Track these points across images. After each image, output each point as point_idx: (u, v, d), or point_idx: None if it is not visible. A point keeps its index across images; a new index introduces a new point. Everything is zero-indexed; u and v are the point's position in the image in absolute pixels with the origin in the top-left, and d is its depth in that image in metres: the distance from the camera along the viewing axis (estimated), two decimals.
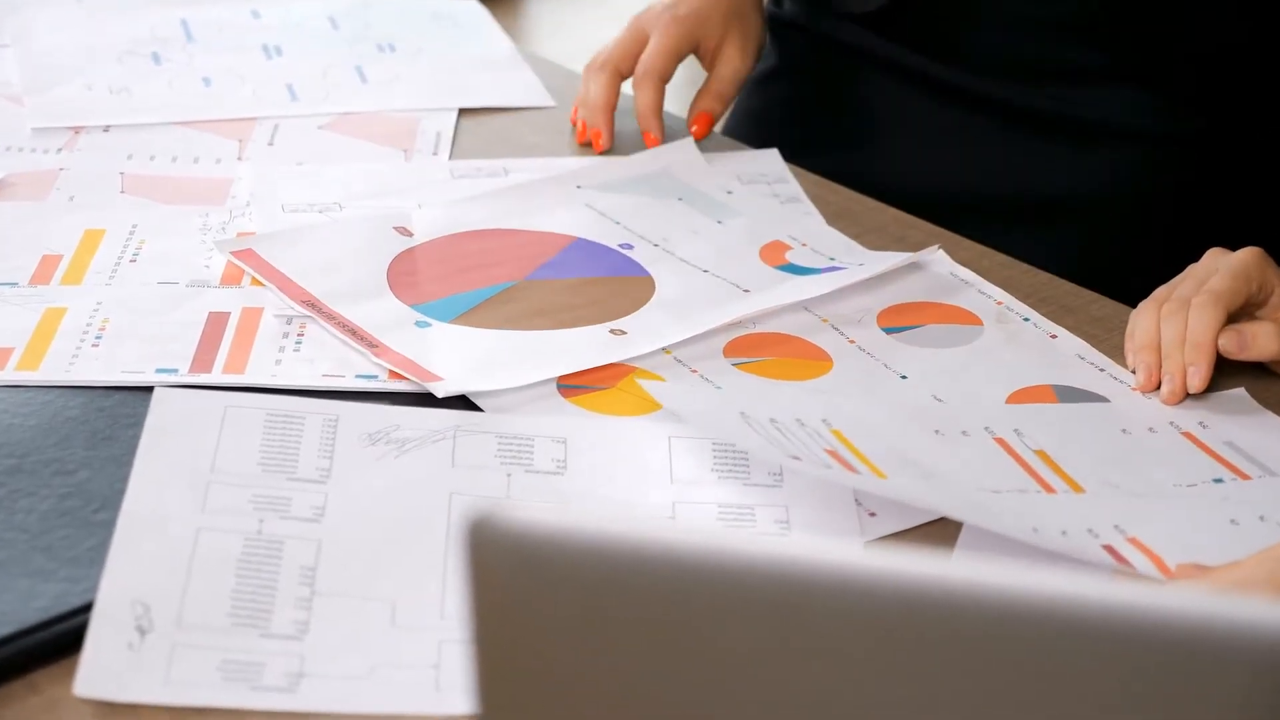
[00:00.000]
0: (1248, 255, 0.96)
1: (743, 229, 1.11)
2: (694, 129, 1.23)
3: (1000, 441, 0.89)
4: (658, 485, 0.85)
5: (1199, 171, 1.21)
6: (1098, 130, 1.20)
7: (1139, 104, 1.19)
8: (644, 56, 1.22)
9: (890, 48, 1.25)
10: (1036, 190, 1.22)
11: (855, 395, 0.93)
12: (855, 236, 1.11)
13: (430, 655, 0.73)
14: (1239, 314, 0.95)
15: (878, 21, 1.24)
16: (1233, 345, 0.93)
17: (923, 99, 1.24)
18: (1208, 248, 1.00)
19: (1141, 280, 1.01)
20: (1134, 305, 0.99)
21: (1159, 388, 0.94)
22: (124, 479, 0.81)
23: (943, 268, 1.07)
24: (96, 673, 0.70)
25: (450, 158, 1.21)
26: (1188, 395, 0.94)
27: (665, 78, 1.22)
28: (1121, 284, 1.05)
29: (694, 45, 1.24)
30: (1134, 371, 0.96)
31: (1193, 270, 0.98)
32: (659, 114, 1.21)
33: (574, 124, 1.24)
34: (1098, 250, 1.21)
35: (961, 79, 1.22)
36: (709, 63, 1.26)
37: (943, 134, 1.24)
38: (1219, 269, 0.96)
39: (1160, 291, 0.98)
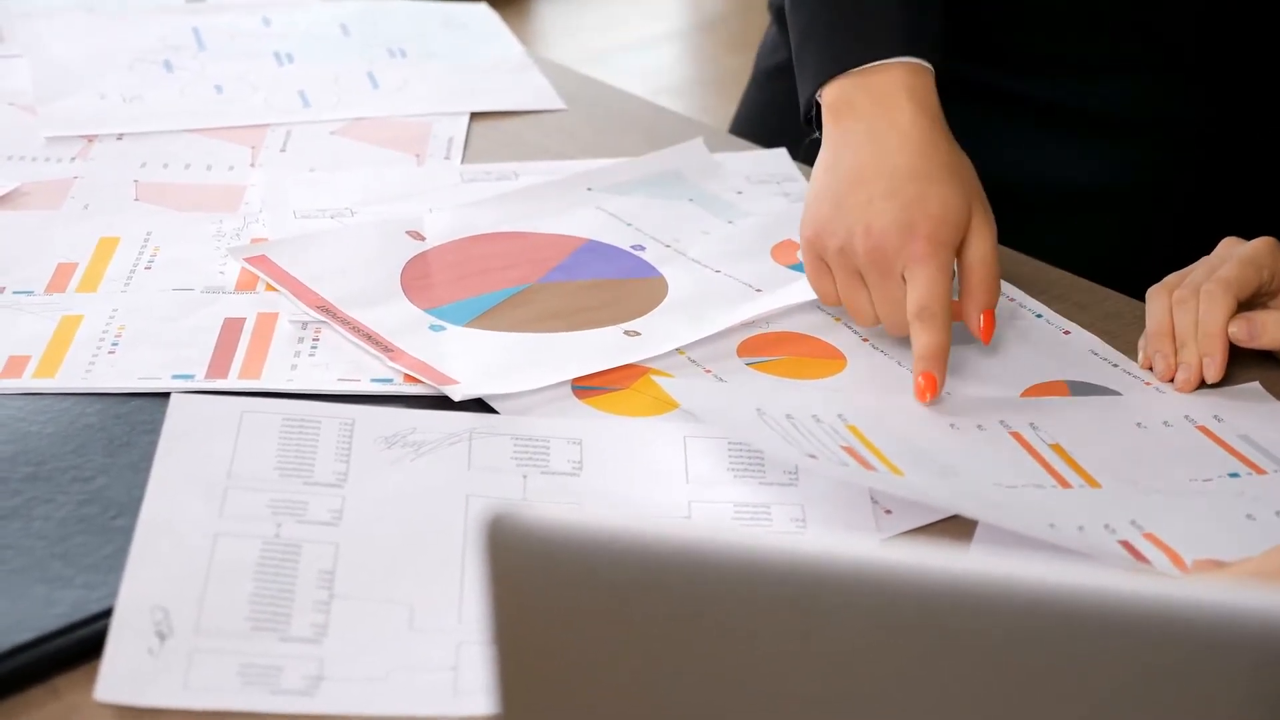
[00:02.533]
0: (1259, 244, 0.96)
1: (754, 229, 1.11)
2: (983, 328, 0.96)
3: (1016, 435, 0.89)
4: (673, 485, 0.85)
5: (1214, 163, 1.21)
6: (1110, 122, 1.20)
7: (1151, 95, 1.19)
8: (921, 291, 0.93)
9: None
10: (1049, 183, 1.22)
11: (869, 393, 0.93)
12: None
13: (449, 657, 0.73)
14: (1250, 303, 0.96)
15: None
16: (1243, 333, 0.94)
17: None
18: (1220, 238, 1.00)
19: (1157, 272, 1.01)
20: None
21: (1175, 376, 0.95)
22: (142, 485, 0.81)
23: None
24: (117, 678, 0.70)
25: (462, 162, 1.22)
26: (1202, 384, 0.94)
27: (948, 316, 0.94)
28: (1137, 276, 1.05)
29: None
30: (1149, 366, 0.96)
31: (1206, 259, 0.99)
32: (942, 356, 0.94)
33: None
34: (1112, 242, 1.21)
35: (972, 73, 1.22)
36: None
37: (955, 127, 1.24)
38: (1230, 257, 0.96)
39: (1172, 278, 0.98)
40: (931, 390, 0.92)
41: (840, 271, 0.96)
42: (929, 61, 1.00)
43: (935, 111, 0.99)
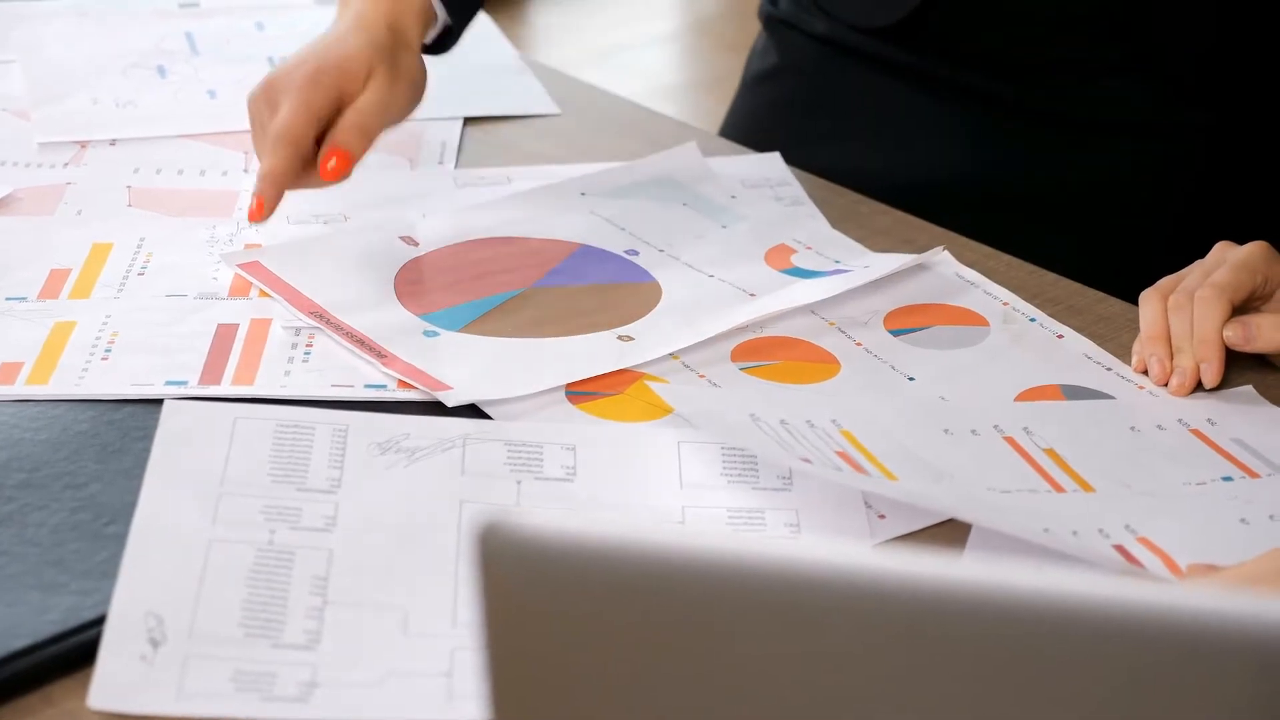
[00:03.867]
0: (1253, 249, 0.96)
1: (747, 233, 1.11)
2: (330, 166, 1.02)
3: (1010, 440, 0.89)
4: (667, 491, 0.85)
5: (1206, 167, 1.21)
6: (1103, 127, 1.20)
7: (1146, 98, 1.19)
8: (280, 120, 1.02)
9: (892, 49, 1.25)
10: (1042, 188, 1.22)
11: (863, 397, 0.93)
12: (860, 239, 1.11)
13: (442, 663, 0.73)
14: (1244, 307, 0.96)
15: (887, 29, 1.24)
16: (1239, 337, 0.94)
17: (925, 97, 1.25)
18: (1216, 242, 1.00)
19: (1149, 276, 1.01)
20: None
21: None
22: (135, 491, 0.81)
23: (948, 269, 1.07)
24: (110, 685, 0.70)
25: (456, 167, 1.21)
26: (1198, 389, 0.94)
27: (303, 145, 1.02)
28: (1129, 280, 1.06)
29: (337, 103, 1.04)
30: (1144, 370, 0.96)
31: (1200, 263, 0.99)
32: (283, 185, 1.02)
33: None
34: (1105, 246, 1.21)
35: (965, 77, 1.22)
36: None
37: (945, 131, 1.24)
38: (1224, 262, 0.96)
39: (1165, 281, 0.99)
40: (260, 213, 1.01)
41: (259, 108, 1.05)
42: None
43: (391, 22, 1.08)
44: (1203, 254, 1.00)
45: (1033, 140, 1.22)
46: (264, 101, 1.04)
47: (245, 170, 1.19)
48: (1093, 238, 1.21)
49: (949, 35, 1.22)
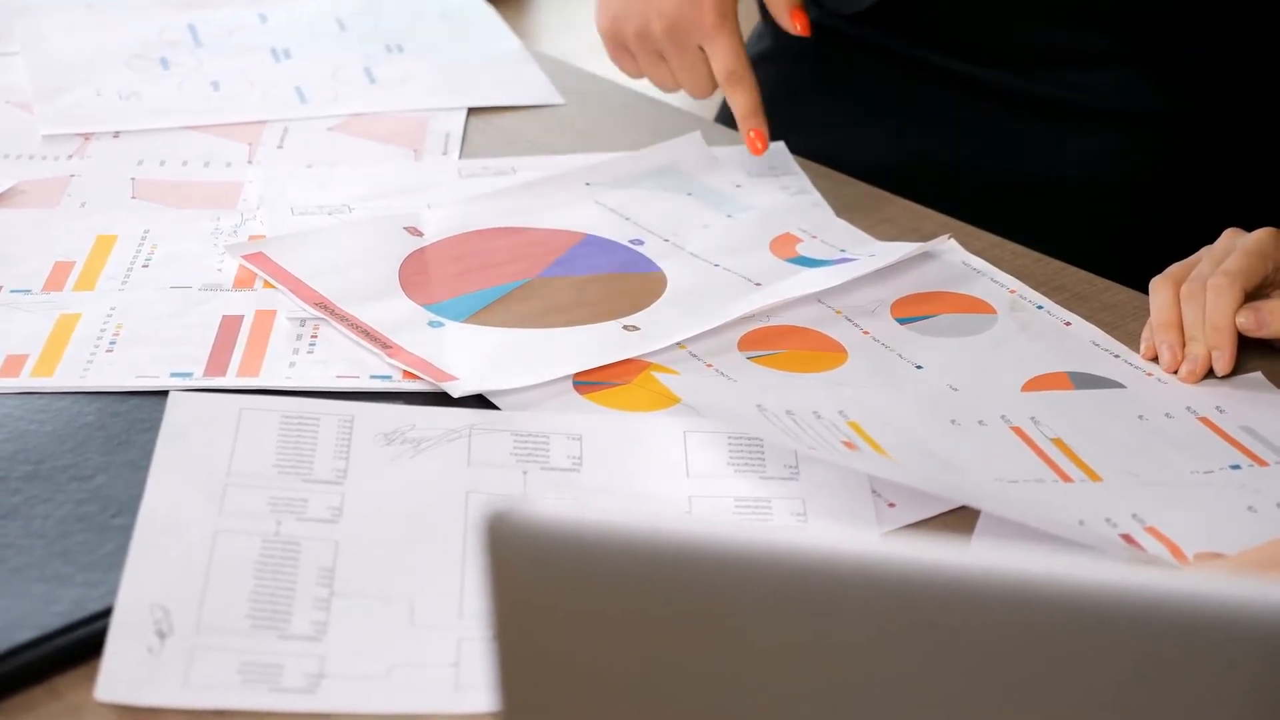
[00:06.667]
0: (1264, 235, 0.96)
1: (753, 222, 1.11)
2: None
3: (1017, 430, 0.89)
4: (674, 480, 0.85)
5: (1203, 153, 1.21)
6: (1097, 114, 1.20)
7: (1138, 87, 1.19)
8: (724, 59, 1.14)
9: (879, 35, 1.25)
10: (1037, 175, 1.22)
11: (871, 386, 0.93)
12: (865, 228, 1.11)
13: (449, 654, 0.73)
14: (1255, 293, 0.96)
15: (870, 15, 1.24)
16: (1251, 323, 0.94)
17: (914, 83, 1.24)
18: (1215, 229, 1.00)
19: (1147, 262, 1.01)
20: (1146, 291, 0.99)
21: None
22: (141, 483, 0.81)
23: (954, 257, 1.07)
24: (117, 677, 0.70)
25: (460, 157, 1.21)
26: (1208, 376, 0.94)
27: (752, 75, 1.16)
28: (1131, 267, 1.05)
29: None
30: (1155, 357, 0.96)
31: (1209, 250, 0.99)
32: (761, 110, 1.16)
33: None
34: (1102, 233, 1.21)
35: (957, 65, 1.22)
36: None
37: (936, 117, 1.24)
38: (1235, 248, 0.96)
39: (1176, 269, 0.98)
40: (762, 142, 1.16)
41: (642, 53, 1.16)
42: None
43: None
44: (1198, 240, 1.00)
45: (1025, 128, 1.21)
46: (670, 40, 1.14)
47: (249, 162, 1.19)
48: (1087, 226, 1.21)
49: (933, 21, 1.22)
